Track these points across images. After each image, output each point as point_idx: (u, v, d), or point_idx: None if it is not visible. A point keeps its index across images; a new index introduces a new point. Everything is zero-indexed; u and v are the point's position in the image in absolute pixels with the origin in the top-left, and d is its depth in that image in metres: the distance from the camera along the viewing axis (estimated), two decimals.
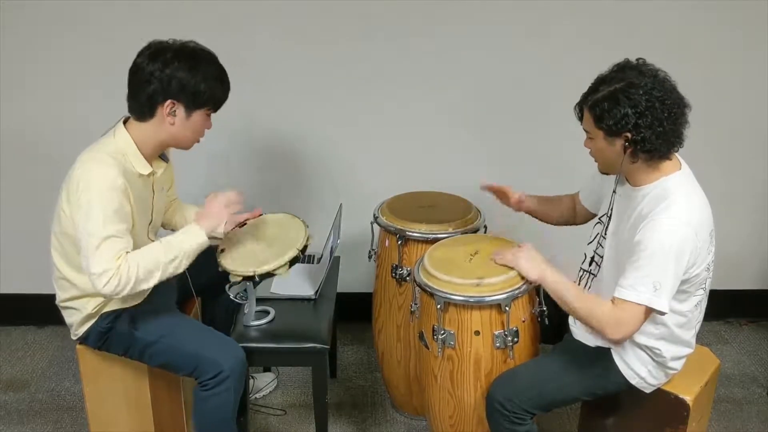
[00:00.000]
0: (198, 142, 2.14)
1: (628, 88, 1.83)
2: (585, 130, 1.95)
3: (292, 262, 2.16)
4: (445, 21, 2.86)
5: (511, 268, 2.08)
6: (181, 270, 2.05)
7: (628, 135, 1.84)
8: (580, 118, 1.96)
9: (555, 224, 2.41)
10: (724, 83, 2.94)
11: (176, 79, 1.99)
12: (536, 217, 2.43)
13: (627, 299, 1.85)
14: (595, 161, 2.00)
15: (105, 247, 1.94)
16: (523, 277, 2.07)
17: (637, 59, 1.90)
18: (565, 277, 2.01)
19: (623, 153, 1.88)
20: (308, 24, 2.84)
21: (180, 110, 2.03)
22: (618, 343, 1.98)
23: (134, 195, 2.04)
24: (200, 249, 2.08)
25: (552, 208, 2.40)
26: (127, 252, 1.97)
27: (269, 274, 2.15)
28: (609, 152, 1.91)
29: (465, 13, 2.84)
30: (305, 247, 2.21)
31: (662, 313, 1.86)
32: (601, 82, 1.90)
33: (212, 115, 2.12)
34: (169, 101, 2.01)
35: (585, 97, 1.91)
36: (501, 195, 2.43)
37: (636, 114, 1.82)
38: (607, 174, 2.04)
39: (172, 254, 2.02)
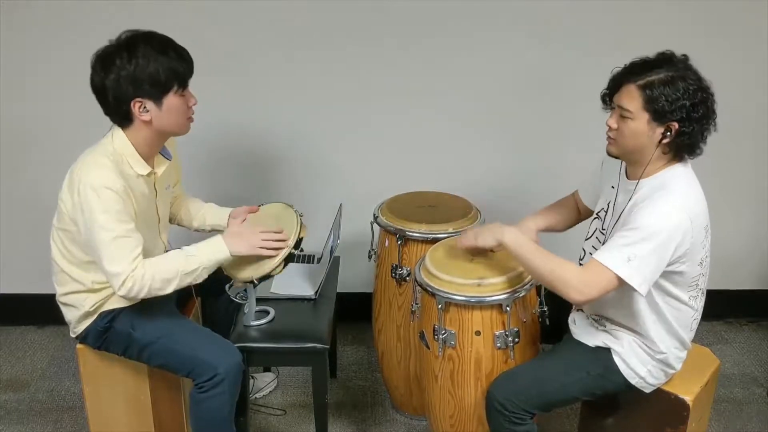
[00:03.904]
0: (191, 121, 2.09)
1: (685, 78, 1.82)
2: (621, 107, 1.88)
3: (287, 260, 2.16)
4: (445, 22, 2.86)
5: (513, 268, 2.08)
6: (199, 281, 2.06)
7: (676, 125, 1.82)
8: (610, 94, 1.92)
9: (564, 230, 2.34)
10: (724, 83, 2.92)
11: (124, 78, 1.93)
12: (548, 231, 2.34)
13: (599, 260, 1.85)
14: (613, 142, 1.94)
15: (116, 247, 1.94)
16: (522, 277, 2.07)
17: (682, 55, 1.89)
18: (527, 240, 1.99)
19: (659, 141, 1.86)
20: (309, 25, 2.84)
21: (149, 104, 1.98)
22: (578, 304, 1.97)
23: (136, 196, 2.04)
24: (221, 264, 2.09)
25: (559, 219, 2.32)
26: (141, 253, 1.97)
27: (268, 276, 2.16)
28: (644, 137, 1.87)
29: (465, 15, 2.84)
30: (298, 241, 2.18)
31: (636, 290, 1.84)
32: (649, 65, 1.86)
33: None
34: (133, 101, 1.97)
35: (630, 74, 1.86)
36: None
37: (691, 106, 1.81)
38: (616, 158, 1.99)
39: (192, 266, 2.03)
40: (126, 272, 1.95)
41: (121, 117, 2.01)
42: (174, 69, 1.98)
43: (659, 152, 1.88)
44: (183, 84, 2.02)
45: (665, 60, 1.87)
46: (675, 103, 1.81)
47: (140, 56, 1.93)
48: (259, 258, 2.16)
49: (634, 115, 1.86)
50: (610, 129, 1.93)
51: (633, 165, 1.97)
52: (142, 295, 1.99)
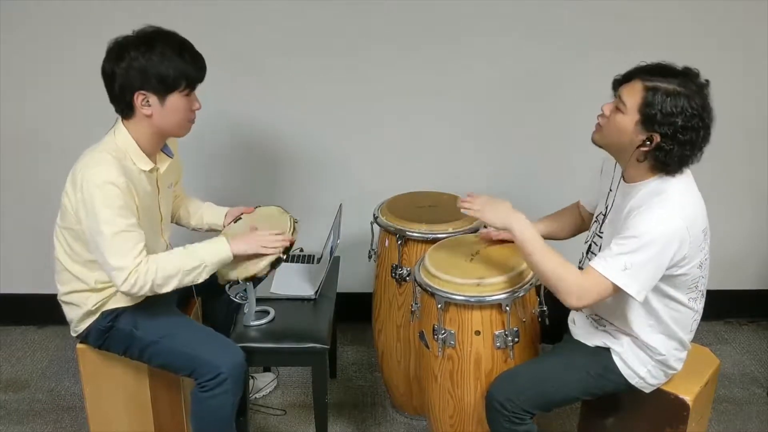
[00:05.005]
0: (192, 122, 2.10)
1: (690, 99, 1.78)
2: (620, 98, 1.86)
3: (274, 264, 2.16)
4: (446, 24, 2.86)
5: (512, 267, 2.08)
6: (200, 280, 2.06)
7: (658, 138, 1.81)
8: (617, 84, 1.89)
9: (566, 238, 2.34)
10: (723, 83, 2.93)
11: (134, 69, 1.96)
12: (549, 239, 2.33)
13: (596, 268, 1.85)
14: (599, 129, 1.93)
15: (119, 241, 1.95)
16: (522, 277, 2.07)
17: (706, 80, 1.85)
18: (536, 234, 1.95)
19: (637, 147, 1.85)
20: (310, 25, 2.84)
21: (152, 99, 2.00)
22: (574, 309, 1.98)
23: (139, 193, 2.04)
24: (223, 264, 2.09)
25: (561, 226, 2.33)
26: (144, 249, 1.98)
27: (253, 278, 2.15)
28: (627, 135, 1.86)
29: (466, 17, 2.84)
30: (287, 248, 2.18)
31: (634, 298, 1.84)
32: (667, 71, 1.83)
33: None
34: (137, 93, 1.98)
35: (647, 72, 1.84)
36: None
37: (681, 126, 1.79)
38: (599, 146, 1.97)
39: (194, 263, 2.03)
40: (130, 267, 1.95)
41: (124, 106, 2.03)
42: (185, 72, 2.00)
43: (634, 158, 1.87)
44: (191, 87, 2.04)
45: (685, 74, 1.84)
46: (667, 117, 1.79)
47: (157, 52, 1.96)
48: (251, 258, 2.16)
49: (627, 110, 1.85)
50: (602, 115, 1.92)
51: (619, 162, 1.96)
52: (144, 291, 1.99)
